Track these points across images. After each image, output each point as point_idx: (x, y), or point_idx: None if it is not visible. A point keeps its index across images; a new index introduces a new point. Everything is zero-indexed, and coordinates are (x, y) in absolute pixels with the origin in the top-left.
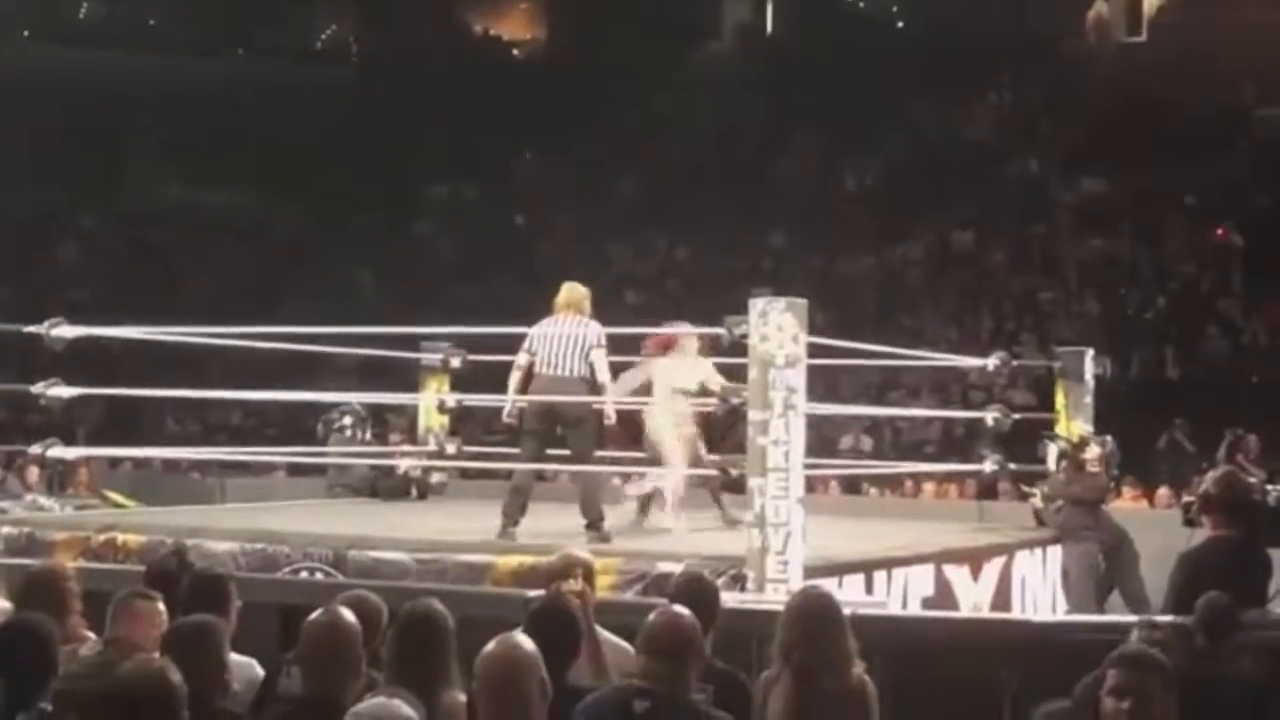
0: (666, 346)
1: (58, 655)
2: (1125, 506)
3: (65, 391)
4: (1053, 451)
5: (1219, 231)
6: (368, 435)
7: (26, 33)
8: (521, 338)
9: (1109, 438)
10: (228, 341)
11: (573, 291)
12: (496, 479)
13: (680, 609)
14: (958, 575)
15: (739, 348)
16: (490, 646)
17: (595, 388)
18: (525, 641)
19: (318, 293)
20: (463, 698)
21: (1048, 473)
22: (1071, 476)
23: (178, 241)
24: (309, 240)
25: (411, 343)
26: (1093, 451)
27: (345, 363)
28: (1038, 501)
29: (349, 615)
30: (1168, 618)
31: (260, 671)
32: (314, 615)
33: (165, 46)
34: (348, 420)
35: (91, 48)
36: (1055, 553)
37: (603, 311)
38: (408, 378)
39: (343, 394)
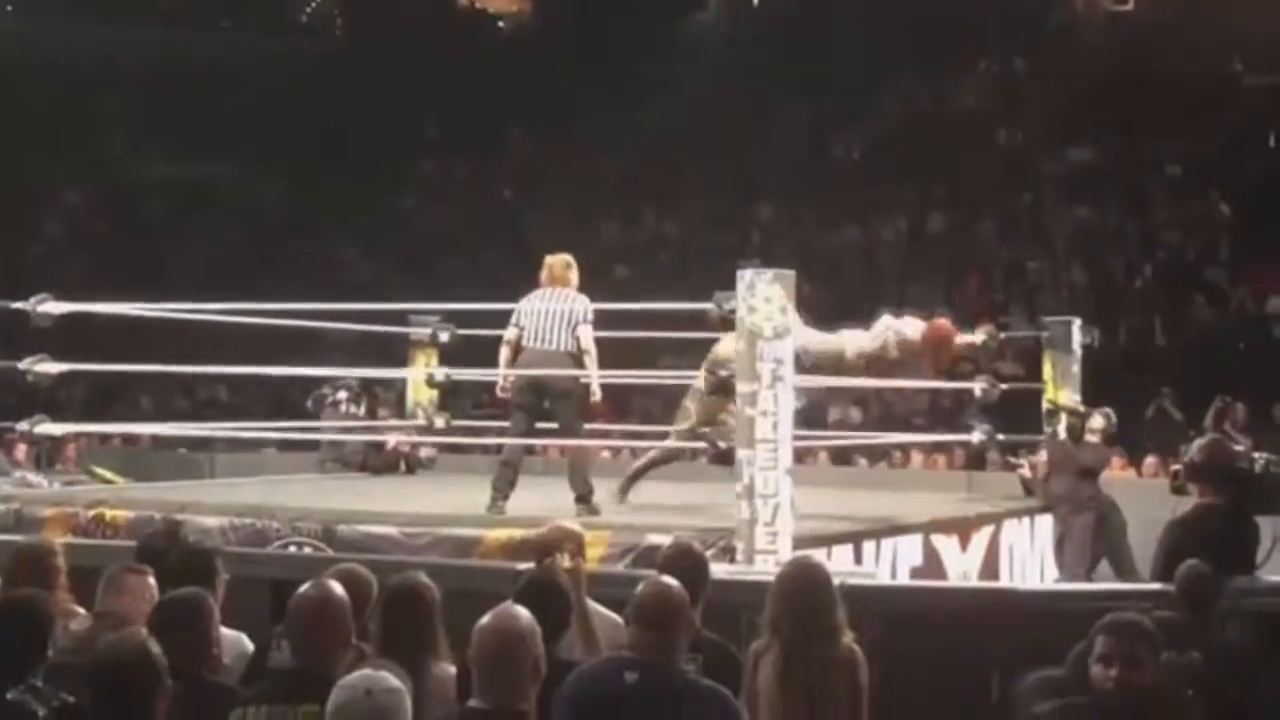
0: None
1: (53, 631)
2: (1113, 475)
3: (53, 367)
4: (1062, 423)
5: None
6: (360, 410)
7: (10, 6)
8: (510, 312)
9: (1110, 410)
10: (216, 317)
11: (554, 263)
12: (486, 453)
13: (669, 580)
14: (946, 545)
15: (728, 321)
16: (486, 619)
17: (581, 362)
18: (521, 614)
19: (305, 268)
20: (451, 669)
21: (1036, 443)
22: (1071, 448)
23: (164, 217)
24: (295, 215)
25: (400, 317)
26: (1097, 423)
27: (334, 338)
28: (1026, 471)
29: (338, 588)
30: (1156, 585)
31: (250, 645)
32: (303, 589)
33: (151, 19)
34: (341, 395)
35: (75, 20)
36: (1043, 522)
37: (592, 286)
38: (396, 352)
39: (331, 369)
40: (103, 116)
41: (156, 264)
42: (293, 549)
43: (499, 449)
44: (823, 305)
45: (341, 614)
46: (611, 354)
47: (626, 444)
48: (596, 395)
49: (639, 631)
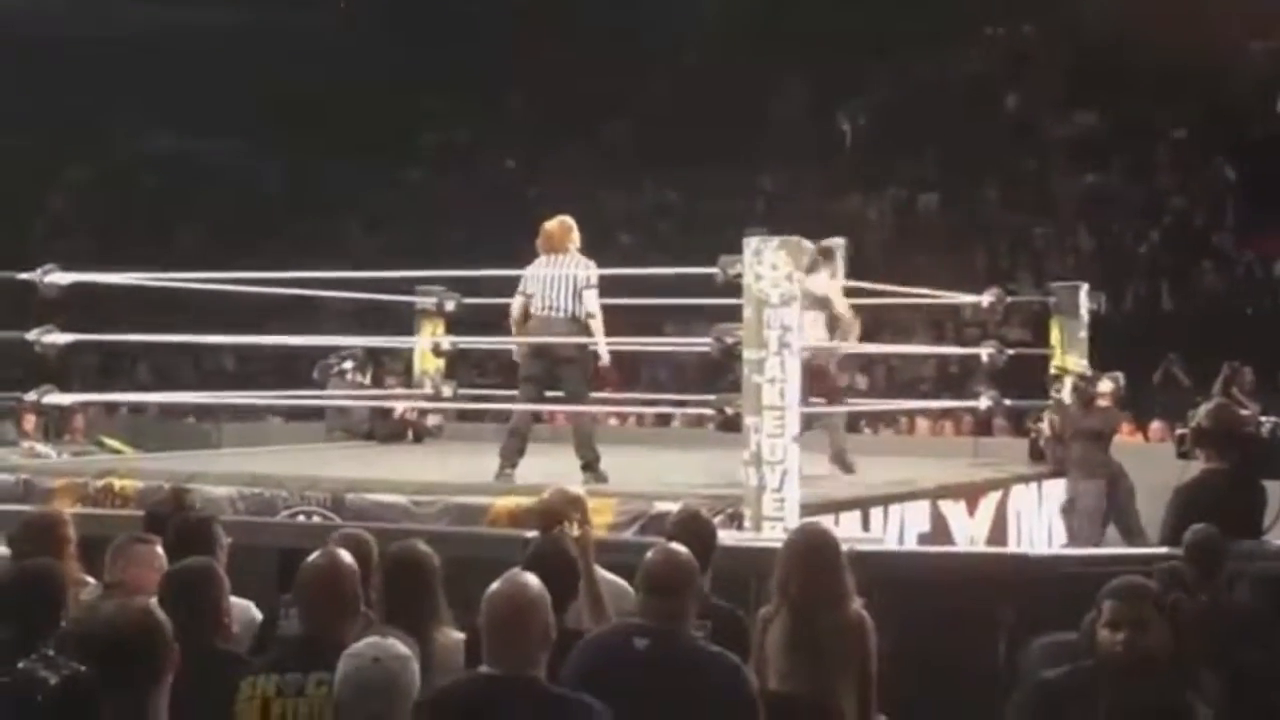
0: None
1: (66, 601)
2: (1121, 441)
3: (60, 338)
4: (1067, 386)
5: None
6: (366, 379)
7: None
8: (515, 280)
9: (1120, 374)
10: (221, 287)
11: (552, 228)
12: (493, 421)
13: (678, 547)
14: (953, 511)
15: (734, 287)
16: (496, 585)
17: (588, 329)
18: (531, 580)
19: (308, 241)
20: (457, 636)
21: (1043, 408)
22: (1082, 411)
23: (167, 191)
24: (299, 188)
25: (406, 287)
26: (1105, 386)
27: (337, 308)
28: (1045, 427)
29: (345, 555)
30: (1163, 549)
31: (258, 614)
32: (312, 557)
33: None
34: (348, 365)
35: None
36: (1051, 487)
37: (595, 254)
38: (403, 322)
39: (338, 338)
40: (105, 91)
41: (160, 239)
42: (301, 518)
43: (506, 417)
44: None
45: (350, 582)
46: (616, 321)
47: (634, 410)
48: (604, 360)
49: (648, 599)
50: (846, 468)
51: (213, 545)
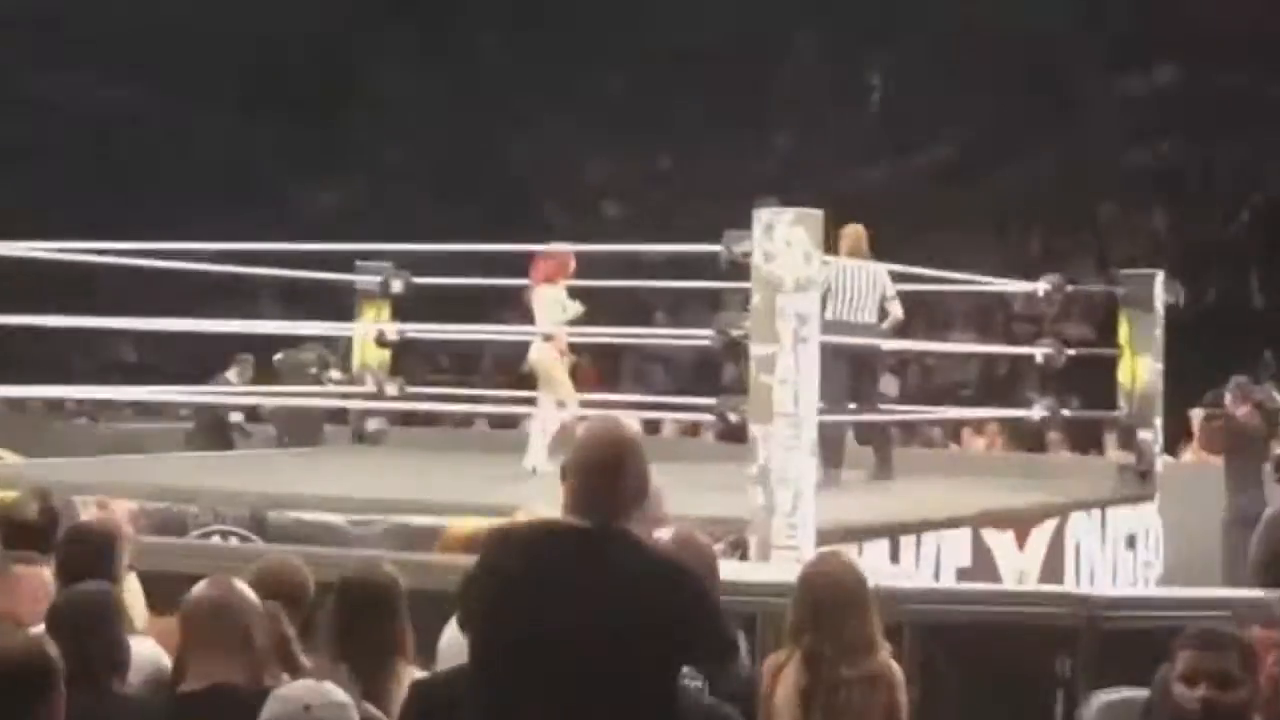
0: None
1: None
2: (1197, 460)
3: None
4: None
5: None
6: (336, 376)
7: None
8: (476, 255)
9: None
10: (124, 261)
11: (859, 230)
12: (448, 425)
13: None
14: (1000, 541)
15: (740, 269)
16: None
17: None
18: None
19: (240, 206)
20: (416, 675)
21: (1111, 419)
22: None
23: (72, 144)
24: (229, 143)
25: (345, 262)
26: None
27: (261, 286)
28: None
29: (240, 590)
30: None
31: (162, 655)
32: (196, 589)
33: None
34: (312, 357)
35: None
36: (1117, 515)
37: (574, 227)
38: (340, 304)
39: (258, 323)
40: (13, 30)
41: (60, 200)
42: (216, 539)
43: (463, 421)
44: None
45: (241, 617)
46: (597, 307)
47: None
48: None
49: None
50: (884, 470)
51: (114, 566)
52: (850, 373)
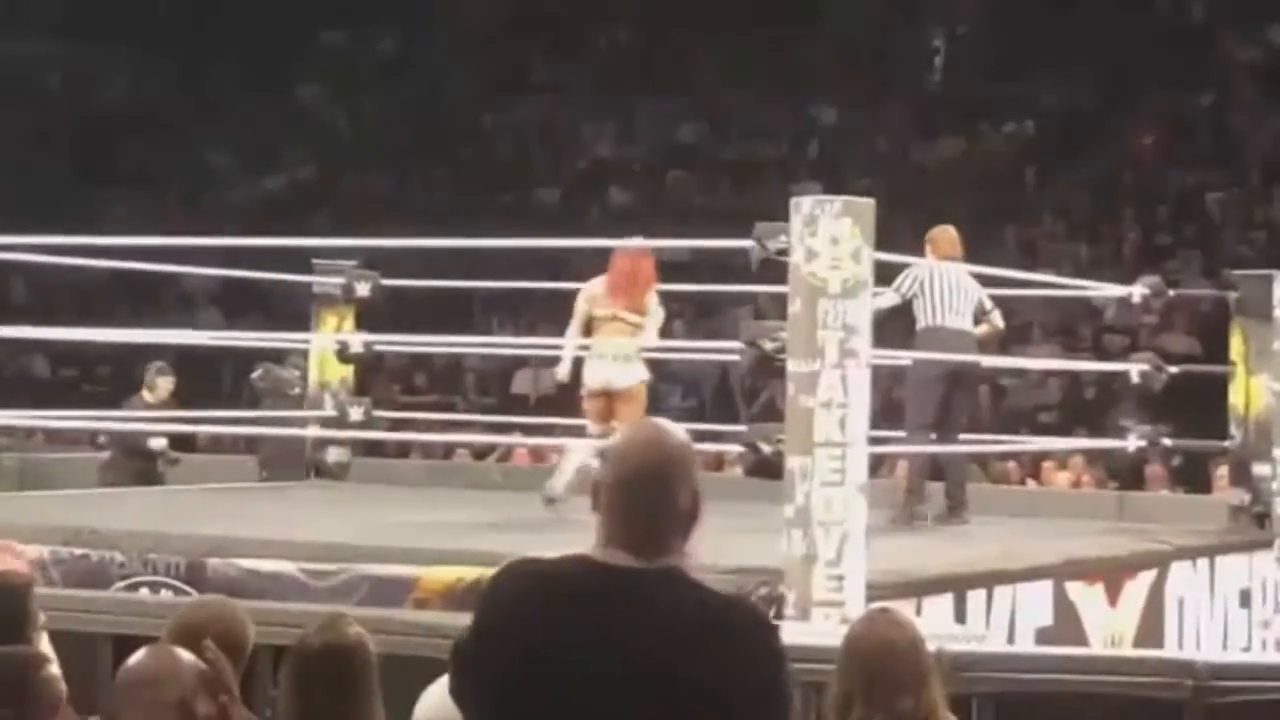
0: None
1: None
2: None
3: None
4: None
5: None
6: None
7: None
8: (455, 252)
9: None
10: (30, 258)
11: (954, 231)
12: (421, 456)
13: None
14: (1087, 596)
15: (775, 269)
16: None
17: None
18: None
19: (162, 184)
20: None
21: (1221, 450)
22: None
23: None
24: (149, 109)
25: (299, 260)
26: None
27: (201, 288)
28: None
29: (179, 657)
30: None
31: None
32: (131, 662)
33: None
34: (296, 374)
35: None
36: (1228, 565)
37: (577, 213)
38: (292, 310)
39: (196, 333)
40: None
41: None
42: (145, 591)
43: (438, 451)
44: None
45: (181, 691)
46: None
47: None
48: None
49: None
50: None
51: (22, 626)
52: (946, 391)
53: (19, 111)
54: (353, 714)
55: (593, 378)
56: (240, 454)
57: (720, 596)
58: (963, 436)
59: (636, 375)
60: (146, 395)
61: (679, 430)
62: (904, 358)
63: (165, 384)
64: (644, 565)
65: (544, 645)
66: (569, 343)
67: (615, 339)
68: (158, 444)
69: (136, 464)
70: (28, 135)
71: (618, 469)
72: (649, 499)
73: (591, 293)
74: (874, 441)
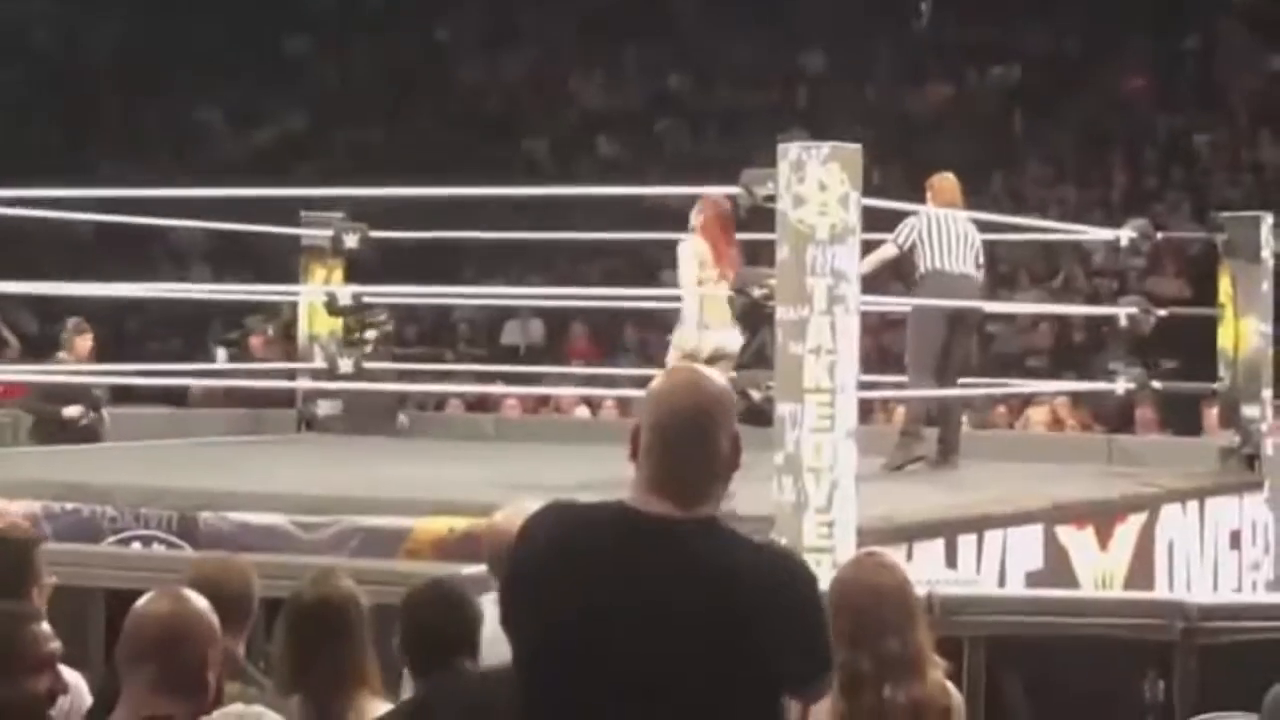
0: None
1: None
2: None
3: None
4: None
5: None
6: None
7: None
8: (444, 203)
9: None
10: (18, 212)
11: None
12: (412, 408)
13: None
14: (1078, 540)
15: (763, 215)
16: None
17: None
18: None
19: (150, 139)
20: (385, 708)
21: (1211, 394)
22: None
23: None
24: (137, 64)
25: (287, 212)
26: None
27: (190, 243)
28: None
29: (195, 602)
30: None
31: (86, 696)
32: (141, 603)
33: None
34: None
35: None
36: (1218, 507)
37: (565, 165)
38: (280, 263)
39: (182, 287)
40: None
41: None
42: (137, 546)
43: (431, 403)
44: (893, 190)
45: (200, 639)
46: (590, 264)
47: (615, 393)
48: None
49: None
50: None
51: (26, 580)
52: (948, 335)
53: (6, 68)
54: (344, 664)
55: (706, 343)
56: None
57: (759, 546)
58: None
59: (740, 339)
60: (64, 355)
61: (717, 375)
62: (891, 304)
63: (84, 342)
64: (683, 515)
65: (583, 594)
66: (690, 307)
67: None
68: (71, 412)
69: (51, 428)
70: (15, 92)
71: (656, 415)
72: (689, 446)
73: (702, 255)
74: (864, 387)
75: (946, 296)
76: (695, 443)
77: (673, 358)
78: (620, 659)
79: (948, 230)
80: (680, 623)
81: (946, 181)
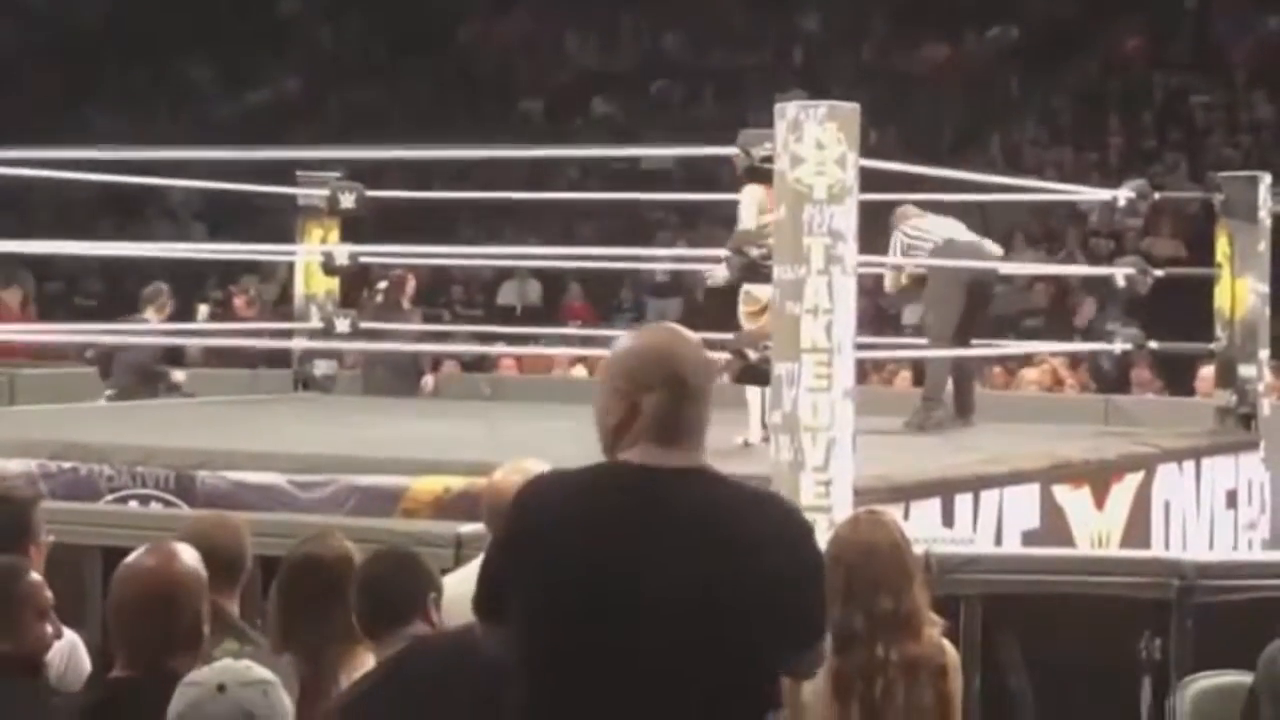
0: None
1: None
2: None
3: None
4: None
5: None
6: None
7: None
8: (440, 164)
9: None
10: (14, 171)
11: None
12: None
13: None
14: (1074, 499)
15: (760, 176)
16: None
17: None
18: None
19: (146, 101)
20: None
21: (1207, 354)
22: None
23: None
24: (133, 25)
25: (282, 171)
26: None
27: (186, 203)
28: None
29: (186, 556)
30: None
31: (84, 654)
32: (131, 557)
33: None
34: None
35: None
36: (1214, 466)
37: (561, 126)
38: (277, 223)
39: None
40: None
41: None
42: (134, 504)
43: (433, 364)
44: (890, 150)
45: (189, 596)
46: (588, 223)
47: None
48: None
49: None
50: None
51: (24, 537)
52: (968, 303)
53: (2, 28)
54: (337, 620)
55: (763, 293)
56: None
57: (757, 492)
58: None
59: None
60: (150, 315)
61: (692, 335)
62: (886, 263)
63: (166, 304)
64: (679, 465)
65: (588, 554)
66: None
67: None
68: (179, 376)
69: (145, 390)
70: (11, 52)
71: (667, 372)
72: (698, 399)
73: (761, 202)
74: (860, 348)
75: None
76: (700, 397)
77: (745, 311)
78: (628, 610)
79: (937, 221)
80: (683, 571)
81: (909, 207)
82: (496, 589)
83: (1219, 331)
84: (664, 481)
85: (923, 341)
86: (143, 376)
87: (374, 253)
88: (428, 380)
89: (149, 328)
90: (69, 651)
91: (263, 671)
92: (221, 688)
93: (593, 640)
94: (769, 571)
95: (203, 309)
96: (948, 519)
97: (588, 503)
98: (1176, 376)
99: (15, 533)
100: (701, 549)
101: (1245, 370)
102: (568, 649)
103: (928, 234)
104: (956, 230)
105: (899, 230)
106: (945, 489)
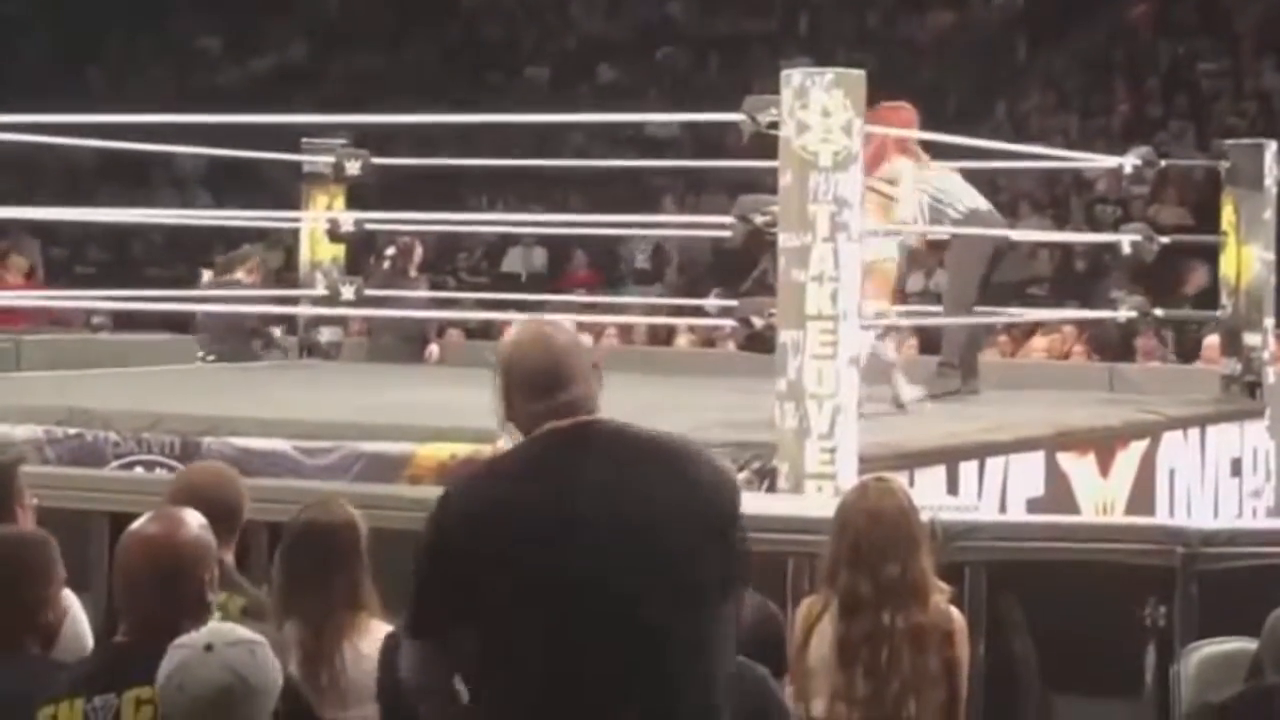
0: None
1: None
2: None
3: None
4: None
5: None
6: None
7: None
8: (445, 131)
9: None
10: (20, 137)
11: None
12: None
13: None
14: (1078, 466)
15: (765, 142)
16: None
17: None
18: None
19: (149, 67)
20: (385, 629)
21: (1213, 321)
22: None
23: None
24: None
25: (287, 138)
26: None
27: (190, 170)
28: None
29: (191, 522)
30: None
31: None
32: (134, 526)
33: None
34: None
35: None
36: (1219, 434)
37: (564, 93)
38: (282, 189)
39: (178, 212)
40: None
41: None
42: (139, 470)
43: (437, 331)
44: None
45: (196, 560)
46: (593, 190)
47: (616, 320)
48: None
49: None
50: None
51: (9, 501)
52: (988, 272)
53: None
54: (340, 587)
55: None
56: None
57: (668, 434)
58: (935, 309)
59: (876, 250)
60: (243, 276)
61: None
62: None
63: (259, 266)
64: (587, 420)
65: (536, 525)
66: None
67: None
68: (278, 335)
69: (233, 344)
70: (13, 18)
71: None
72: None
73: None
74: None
75: (989, 235)
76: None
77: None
78: (588, 567)
79: (948, 182)
80: (626, 516)
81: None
82: (444, 600)
83: (1224, 299)
84: (569, 439)
85: (933, 309)
86: (245, 337)
87: (379, 220)
88: (432, 348)
89: (152, 294)
90: (70, 616)
91: (248, 632)
92: (209, 648)
93: (562, 587)
94: (721, 506)
95: (206, 274)
96: (952, 486)
97: (514, 488)
98: (1181, 345)
99: (1, 495)
100: (630, 491)
101: (1250, 338)
102: (551, 623)
103: (953, 201)
104: (974, 196)
105: (924, 192)
106: (950, 456)
